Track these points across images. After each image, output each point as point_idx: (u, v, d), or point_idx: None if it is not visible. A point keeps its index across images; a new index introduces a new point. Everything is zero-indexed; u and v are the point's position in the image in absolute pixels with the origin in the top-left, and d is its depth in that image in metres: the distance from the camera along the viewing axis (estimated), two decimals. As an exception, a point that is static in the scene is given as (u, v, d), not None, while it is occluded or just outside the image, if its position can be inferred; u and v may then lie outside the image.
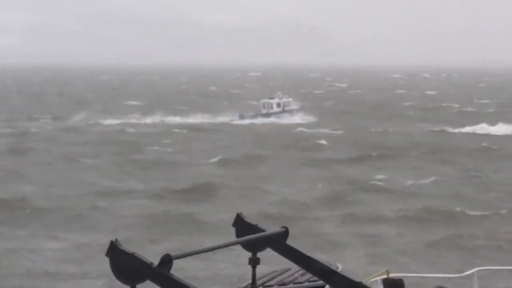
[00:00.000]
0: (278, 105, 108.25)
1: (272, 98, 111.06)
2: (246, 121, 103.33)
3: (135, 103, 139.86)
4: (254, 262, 9.29)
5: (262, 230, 9.30)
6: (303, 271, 11.72)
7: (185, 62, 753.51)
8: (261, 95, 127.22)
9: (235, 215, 9.30)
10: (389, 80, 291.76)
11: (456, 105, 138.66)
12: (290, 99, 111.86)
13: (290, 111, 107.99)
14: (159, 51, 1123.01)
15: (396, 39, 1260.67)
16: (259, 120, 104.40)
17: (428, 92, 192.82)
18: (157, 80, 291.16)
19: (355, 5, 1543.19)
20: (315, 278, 10.57)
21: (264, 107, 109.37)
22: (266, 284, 12.09)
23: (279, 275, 12.46)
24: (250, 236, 8.98)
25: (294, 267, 11.34)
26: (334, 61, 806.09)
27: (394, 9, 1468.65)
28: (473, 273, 15.66)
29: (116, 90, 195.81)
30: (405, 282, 13.83)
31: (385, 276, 13.21)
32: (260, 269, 9.82)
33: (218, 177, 55.87)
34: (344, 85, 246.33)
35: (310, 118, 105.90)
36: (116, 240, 7.31)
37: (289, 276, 12.29)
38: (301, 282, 12.01)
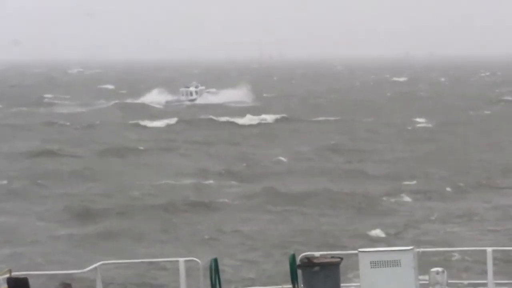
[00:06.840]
0: (196, 92, 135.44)
1: (187, 87, 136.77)
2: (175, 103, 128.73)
3: None
4: None
5: None
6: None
7: None
8: None
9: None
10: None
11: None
12: (203, 87, 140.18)
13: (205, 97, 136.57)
14: None
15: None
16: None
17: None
18: None
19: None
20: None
21: (182, 95, 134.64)
22: None
23: None
24: None
25: None
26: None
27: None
28: (95, 267, 16.79)
29: None
30: (30, 280, 15.48)
31: (8, 275, 15.11)
32: None
33: None
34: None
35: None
36: None
37: None
38: None
